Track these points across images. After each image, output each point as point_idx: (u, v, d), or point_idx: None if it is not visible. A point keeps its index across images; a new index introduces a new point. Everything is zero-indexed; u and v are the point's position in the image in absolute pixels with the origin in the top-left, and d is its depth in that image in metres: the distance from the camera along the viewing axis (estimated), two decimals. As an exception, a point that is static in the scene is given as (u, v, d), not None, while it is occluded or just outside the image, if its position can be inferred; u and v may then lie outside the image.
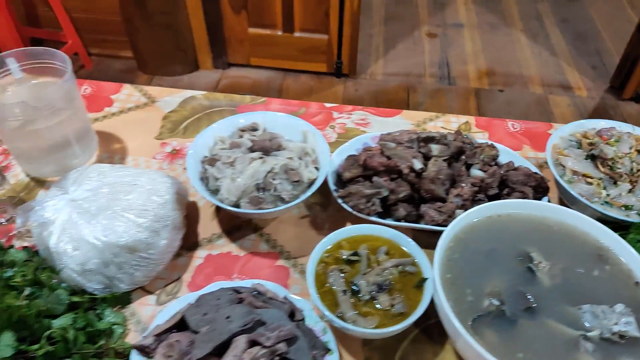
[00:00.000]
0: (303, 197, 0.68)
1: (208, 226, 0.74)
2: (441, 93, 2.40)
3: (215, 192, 0.70)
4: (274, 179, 0.69)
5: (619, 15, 2.96)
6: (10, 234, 0.71)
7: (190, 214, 0.74)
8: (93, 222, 0.62)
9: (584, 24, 2.89)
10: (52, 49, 0.78)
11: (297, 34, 2.37)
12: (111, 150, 0.85)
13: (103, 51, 2.50)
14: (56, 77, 0.78)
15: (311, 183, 0.71)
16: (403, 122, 0.91)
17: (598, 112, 2.29)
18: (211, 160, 0.72)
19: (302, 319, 0.60)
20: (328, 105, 0.94)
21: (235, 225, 0.74)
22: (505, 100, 2.38)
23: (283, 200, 0.69)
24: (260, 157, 0.71)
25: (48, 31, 2.43)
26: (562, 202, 0.74)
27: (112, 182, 0.66)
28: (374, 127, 0.90)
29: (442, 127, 0.90)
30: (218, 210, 0.76)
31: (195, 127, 0.90)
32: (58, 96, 0.73)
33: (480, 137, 0.87)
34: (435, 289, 0.54)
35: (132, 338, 0.60)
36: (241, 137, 0.76)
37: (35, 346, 0.51)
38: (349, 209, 0.70)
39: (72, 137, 0.77)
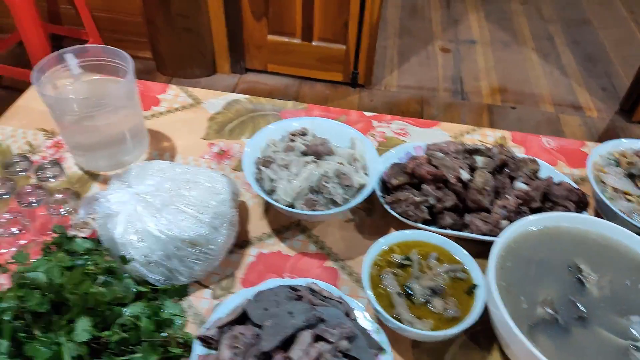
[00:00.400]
0: (356, 201, 0.70)
1: (258, 225, 0.76)
2: (454, 107, 2.44)
3: (269, 192, 0.73)
4: (327, 183, 0.71)
5: (628, 40, 3.02)
6: (67, 225, 0.72)
7: (240, 213, 0.76)
8: (157, 216, 0.64)
9: (594, 46, 2.95)
10: (113, 47, 0.80)
11: (315, 43, 2.41)
12: (161, 148, 0.87)
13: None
14: (113, 75, 0.81)
15: (360, 188, 0.73)
16: (441, 133, 0.94)
17: (608, 134, 2.33)
18: (265, 162, 0.75)
19: (356, 319, 0.62)
20: (368, 114, 0.96)
21: (283, 226, 0.76)
22: (517, 118, 2.42)
23: (335, 204, 0.71)
24: (314, 161, 0.73)
25: (69, 28, 2.46)
26: (599, 217, 0.77)
27: (173, 178, 0.69)
28: (412, 137, 0.92)
29: (478, 140, 0.93)
30: (267, 210, 0.78)
31: (240, 129, 0.92)
32: (120, 94, 0.75)
33: (517, 152, 0.89)
34: (491, 296, 0.57)
35: (191, 330, 0.62)
36: (292, 140, 0.78)
37: (109, 332, 0.53)
38: (396, 215, 0.72)
39: (127, 134, 0.79)
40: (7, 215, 0.68)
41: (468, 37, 2.99)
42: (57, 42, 2.55)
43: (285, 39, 2.41)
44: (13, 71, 2.22)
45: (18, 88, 2.43)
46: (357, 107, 2.40)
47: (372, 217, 0.78)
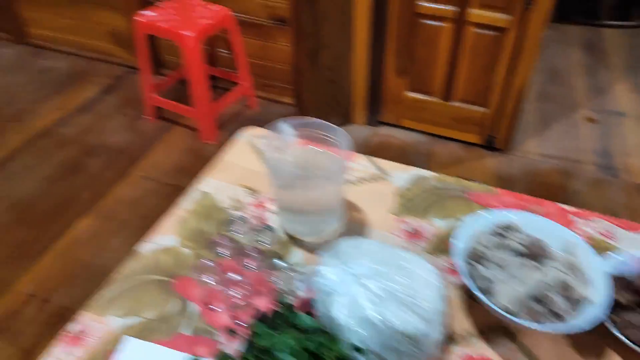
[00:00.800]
0: (586, 324, 0.64)
1: (460, 322, 0.73)
2: (603, 184, 2.25)
3: (481, 291, 0.69)
4: (549, 292, 0.66)
5: None
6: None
7: (440, 304, 0.74)
8: (378, 304, 0.63)
9: None
10: (329, 123, 0.84)
11: (454, 103, 2.39)
12: (353, 218, 0.88)
13: (268, 95, 2.71)
14: (324, 146, 0.84)
15: (582, 302, 0.67)
16: (654, 241, 0.85)
17: None
18: (477, 256, 0.72)
19: None
20: (568, 208, 0.90)
21: (486, 325, 0.72)
22: (679, 205, 2.16)
23: (556, 316, 0.66)
24: (536, 267, 0.69)
25: (223, 70, 2.70)
26: None
27: (386, 262, 0.68)
28: (621, 242, 0.84)
29: (701, 256, 0.82)
30: (469, 306, 0.75)
31: (428, 208, 0.91)
32: (336, 169, 0.78)
33: None
34: None
35: None
36: (500, 234, 0.75)
37: None
38: (626, 341, 0.65)
39: (333, 205, 0.82)
40: (234, 276, 0.72)
41: (616, 108, 2.78)
42: (212, 82, 2.80)
43: (423, 97, 2.42)
44: (174, 106, 2.47)
45: (174, 121, 2.68)
46: (492, 172, 2.31)
47: (588, 333, 0.71)
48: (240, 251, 0.76)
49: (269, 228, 0.82)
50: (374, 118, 2.56)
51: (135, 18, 2.24)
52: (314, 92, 2.48)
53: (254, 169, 0.98)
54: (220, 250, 0.77)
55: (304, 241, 0.84)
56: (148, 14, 2.25)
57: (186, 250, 0.82)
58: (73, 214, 2.08)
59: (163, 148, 2.42)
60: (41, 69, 2.94)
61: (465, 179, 0.98)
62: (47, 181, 2.23)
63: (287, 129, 0.86)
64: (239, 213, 0.86)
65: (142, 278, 0.78)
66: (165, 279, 0.78)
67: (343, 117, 2.56)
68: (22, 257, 1.91)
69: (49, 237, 1.98)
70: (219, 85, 2.69)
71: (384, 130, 2.55)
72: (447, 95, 2.38)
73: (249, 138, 1.05)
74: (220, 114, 2.55)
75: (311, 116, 2.86)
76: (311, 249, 0.82)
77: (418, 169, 0.99)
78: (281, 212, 0.85)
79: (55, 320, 1.71)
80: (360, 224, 0.88)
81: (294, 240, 0.84)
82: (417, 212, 0.90)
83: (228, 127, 2.54)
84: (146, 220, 2.07)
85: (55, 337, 0.71)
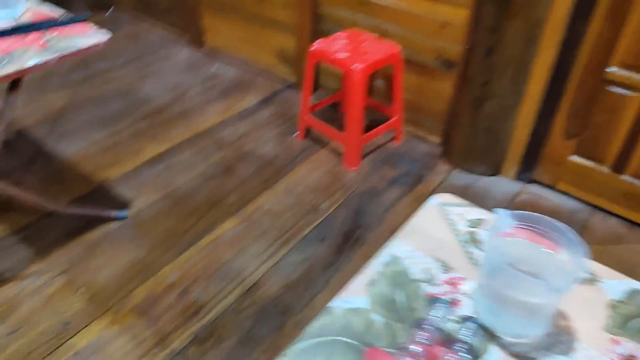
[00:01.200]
0: None
1: None
2: None
3: None
4: None
5: None
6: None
7: None
8: None
9: None
10: (561, 223, 0.77)
11: (625, 177, 2.15)
12: (559, 326, 0.80)
13: (414, 131, 2.68)
14: (551, 247, 0.78)
15: None
16: None
17: None
18: None
19: None
20: None
21: None
22: None
23: None
24: None
25: (376, 101, 2.72)
26: None
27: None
28: None
29: None
30: None
31: (649, 333, 0.80)
32: (565, 279, 0.71)
33: None
34: None
35: None
36: None
37: None
38: None
39: (543, 310, 0.75)
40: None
41: None
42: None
43: (591, 164, 2.21)
44: (325, 128, 2.54)
45: (321, 141, 2.76)
46: (662, 265, 2.03)
47: None
48: (443, 342, 0.73)
49: (472, 320, 0.77)
50: (526, 175, 2.39)
51: (310, 48, 2.35)
52: (468, 138, 2.39)
53: (444, 240, 0.95)
54: (420, 335, 0.74)
55: (502, 338, 0.78)
56: (321, 43, 2.34)
57: (377, 317, 0.81)
58: (220, 213, 2.23)
59: (307, 166, 2.50)
60: (211, 74, 3.23)
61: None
62: (202, 178, 2.42)
63: (505, 218, 0.81)
64: (438, 290, 0.83)
65: (334, 337, 0.79)
66: (356, 343, 0.78)
67: (491, 167, 2.43)
68: (170, 246, 2.08)
69: (196, 232, 2.14)
70: (369, 115, 2.72)
71: (535, 189, 2.38)
72: (619, 168, 2.14)
73: (442, 206, 1.02)
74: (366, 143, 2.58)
75: (458, 160, 2.77)
76: (512, 350, 0.76)
77: (632, 280, 0.88)
78: (481, 299, 0.80)
79: (190, 314, 1.83)
80: (567, 335, 0.79)
81: (490, 334, 0.79)
82: (633, 334, 0.80)
83: (371, 156, 2.55)
84: (283, 233, 2.15)
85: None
